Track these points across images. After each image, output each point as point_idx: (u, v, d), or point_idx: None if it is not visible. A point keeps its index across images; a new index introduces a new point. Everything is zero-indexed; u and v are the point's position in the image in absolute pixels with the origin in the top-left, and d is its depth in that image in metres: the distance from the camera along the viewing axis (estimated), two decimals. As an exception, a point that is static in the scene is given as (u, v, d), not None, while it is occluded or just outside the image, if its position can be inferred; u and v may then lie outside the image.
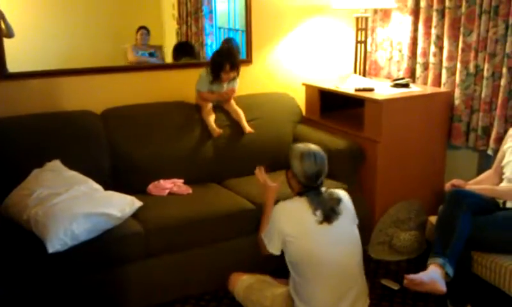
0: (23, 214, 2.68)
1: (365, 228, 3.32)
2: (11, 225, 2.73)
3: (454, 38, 3.61)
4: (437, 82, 3.76)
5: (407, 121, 3.52)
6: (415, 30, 3.89)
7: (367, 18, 4.01)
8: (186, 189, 3.30)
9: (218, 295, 3.05)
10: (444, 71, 3.69)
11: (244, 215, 3.08)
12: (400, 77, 3.94)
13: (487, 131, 3.51)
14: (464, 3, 3.50)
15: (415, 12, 3.86)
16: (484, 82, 3.45)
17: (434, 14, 3.68)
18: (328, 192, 2.50)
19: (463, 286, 2.79)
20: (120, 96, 3.55)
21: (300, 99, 4.10)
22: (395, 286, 3.12)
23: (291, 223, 2.44)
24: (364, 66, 4.05)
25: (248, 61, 4.00)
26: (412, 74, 3.96)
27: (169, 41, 3.96)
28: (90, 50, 3.65)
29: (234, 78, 3.59)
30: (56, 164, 3.03)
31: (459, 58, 3.58)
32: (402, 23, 3.99)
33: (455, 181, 3.08)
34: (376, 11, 4.18)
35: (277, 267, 2.61)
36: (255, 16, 3.96)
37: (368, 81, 3.88)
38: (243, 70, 3.64)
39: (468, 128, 3.65)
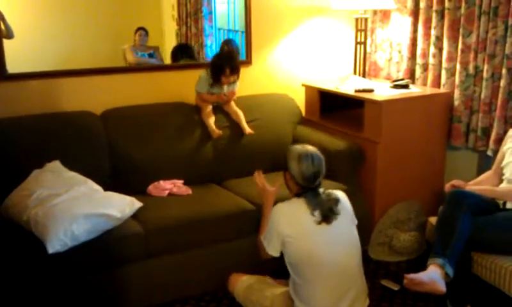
0: (23, 215, 2.68)
1: (365, 228, 3.33)
2: (11, 226, 2.73)
3: (454, 39, 3.61)
4: (436, 83, 3.77)
5: (407, 122, 3.52)
6: (415, 31, 3.89)
7: (366, 19, 4.01)
8: (186, 190, 3.30)
9: (218, 296, 3.05)
10: (444, 72, 3.69)
11: (244, 216, 3.08)
12: (400, 78, 3.95)
13: (487, 132, 3.51)
14: (463, 4, 3.50)
15: (415, 13, 3.87)
16: (484, 83, 3.45)
17: (434, 15, 3.69)
18: (325, 193, 2.50)
19: (463, 287, 2.79)
20: (120, 97, 3.55)
21: (300, 100, 4.11)
22: (395, 287, 3.12)
23: (290, 224, 2.44)
24: (364, 67, 4.06)
25: (248, 62, 4.01)
26: (412, 75, 3.97)
27: (168, 42, 3.96)
28: (90, 50, 3.65)
29: (234, 82, 3.59)
30: (56, 164, 3.03)
31: (458, 59, 3.58)
32: (401, 24, 3.99)
33: (455, 182, 3.09)
34: (375, 12, 4.19)
35: (277, 268, 2.61)
36: (254, 17, 3.97)
37: (368, 82, 3.89)
38: (243, 70, 3.64)
39: (468, 129, 3.65)
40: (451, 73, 3.66)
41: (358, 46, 4.03)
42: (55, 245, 2.54)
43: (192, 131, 3.54)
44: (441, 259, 2.55)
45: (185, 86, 3.68)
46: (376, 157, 3.46)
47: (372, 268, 3.35)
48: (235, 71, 3.51)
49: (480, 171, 3.43)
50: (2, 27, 3.28)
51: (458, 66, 3.59)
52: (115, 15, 3.72)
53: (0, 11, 3.27)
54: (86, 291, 2.73)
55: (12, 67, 3.30)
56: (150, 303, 2.91)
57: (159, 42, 3.91)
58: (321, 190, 2.50)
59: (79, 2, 3.60)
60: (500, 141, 3.29)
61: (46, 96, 3.41)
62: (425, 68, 3.85)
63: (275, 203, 2.63)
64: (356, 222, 2.59)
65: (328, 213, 2.42)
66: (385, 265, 3.41)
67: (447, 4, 3.59)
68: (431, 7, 3.71)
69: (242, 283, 2.69)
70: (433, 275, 2.49)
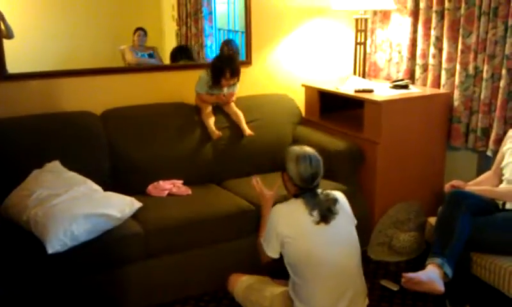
0: (23, 215, 2.68)
1: (365, 228, 3.33)
2: (10, 226, 2.73)
3: (454, 40, 3.61)
4: (436, 83, 3.77)
5: (406, 122, 3.52)
6: (415, 31, 3.89)
7: (366, 20, 4.02)
8: (186, 190, 3.30)
9: (218, 296, 3.05)
10: (443, 73, 3.69)
11: (244, 216, 3.09)
12: (400, 78, 3.95)
13: (486, 132, 3.51)
14: (463, 4, 3.50)
15: (415, 13, 3.87)
16: (484, 83, 3.45)
17: (434, 15, 3.69)
18: (324, 193, 2.51)
19: (462, 287, 2.79)
20: (120, 97, 3.55)
21: (300, 100, 4.11)
22: (395, 287, 3.12)
23: (288, 224, 2.45)
24: (363, 68, 4.06)
25: (248, 62, 4.01)
26: (411, 75, 3.97)
27: (168, 42, 3.97)
28: (90, 51, 3.65)
29: (234, 84, 3.59)
30: (56, 164, 3.04)
31: (458, 59, 3.58)
32: (401, 24, 3.99)
33: (454, 182, 3.08)
34: (375, 13, 4.19)
35: (276, 269, 2.61)
36: (254, 17, 3.97)
37: (368, 82, 3.89)
38: (243, 71, 3.64)
39: (468, 130, 3.65)
40: (451, 73, 3.66)
41: (358, 46, 4.04)
42: (55, 245, 2.54)
43: (192, 131, 3.54)
44: (439, 259, 2.55)
45: (185, 86, 3.68)
46: (376, 157, 3.46)
47: (371, 268, 3.35)
48: (235, 74, 3.51)
49: (480, 172, 3.43)
50: (2, 27, 3.28)
51: (458, 67, 3.59)
52: (115, 15, 3.72)
53: (0, 11, 3.27)
54: (85, 292, 2.73)
55: (12, 67, 3.30)
56: (149, 303, 2.91)
57: (159, 42, 3.91)
58: (319, 190, 2.51)
59: (79, 3, 3.60)
60: (499, 141, 3.29)
61: (46, 96, 3.41)
62: (425, 68, 3.85)
63: (274, 204, 2.64)
64: (355, 222, 2.59)
65: (326, 213, 2.43)
66: (385, 265, 3.42)
67: (446, 5, 3.59)
68: (431, 7, 3.72)
69: (241, 283, 2.69)
70: (431, 275, 2.49)
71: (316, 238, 2.41)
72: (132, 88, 3.65)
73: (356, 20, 3.99)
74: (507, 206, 2.88)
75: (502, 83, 3.34)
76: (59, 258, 2.58)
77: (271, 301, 2.53)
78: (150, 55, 3.85)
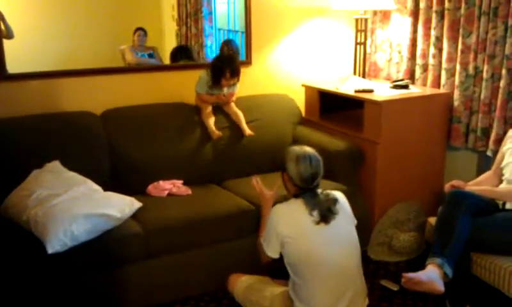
0: (22, 215, 2.68)
1: (365, 228, 3.33)
2: (10, 226, 2.73)
3: (454, 40, 3.61)
4: (436, 83, 3.77)
5: (406, 122, 3.52)
6: (415, 31, 3.89)
7: (366, 20, 4.02)
8: (185, 190, 3.30)
9: (218, 296, 3.05)
10: (443, 73, 3.69)
11: (244, 216, 3.09)
12: (400, 78, 3.95)
13: (486, 132, 3.51)
14: (463, 4, 3.50)
15: (415, 13, 3.87)
16: (484, 83, 3.45)
17: (434, 15, 3.69)
18: (324, 193, 2.51)
19: (462, 287, 2.79)
20: (120, 97, 3.55)
21: (300, 100, 4.11)
22: (395, 287, 3.12)
23: (288, 224, 2.45)
24: (363, 68, 4.06)
25: (248, 62, 4.01)
26: (411, 75, 3.97)
27: (168, 42, 3.97)
28: (90, 51, 3.65)
29: (234, 84, 3.59)
30: (56, 164, 3.04)
31: (458, 59, 3.58)
32: (401, 24, 3.99)
33: (454, 182, 3.08)
34: (375, 13, 4.19)
35: (276, 269, 2.60)
36: (254, 17, 3.97)
37: (368, 82, 3.89)
38: (243, 71, 3.63)
39: (468, 130, 3.65)
40: (451, 73, 3.66)
41: (358, 46, 4.04)
42: (54, 245, 2.54)
43: (192, 131, 3.54)
44: (439, 259, 2.55)
45: (185, 86, 3.68)
46: (376, 157, 3.47)
47: (371, 268, 3.35)
48: (235, 74, 3.51)
49: (480, 172, 3.43)
50: (2, 27, 3.28)
51: (458, 67, 3.59)
52: (115, 15, 3.73)
53: (0, 11, 3.27)
54: (85, 292, 2.73)
55: (12, 67, 3.30)
56: (149, 303, 2.91)
57: (159, 42, 3.91)
58: (319, 190, 2.51)
59: (79, 3, 3.60)
60: (499, 141, 3.29)
61: (46, 96, 3.41)
62: (425, 68, 3.85)
63: (274, 204, 2.64)
64: (355, 222, 2.59)
65: (326, 213, 2.43)
66: (385, 265, 3.42)
67: (446, 5, 3.59)
68: (431, 7, 3.72)
69: (241, 283, 2.69)
70: (431, 275, 2.49)
71: (316, 238, 2.41)
72: (132, 88, 3.65)
73: (356, 20, 3.99)
74: (507, 206, 2.88)
75: (502, 83, 3.34)
76: (59, 258, 2.58)
77: (271, 301, 2.53)
78: (150, 55, 3.85)
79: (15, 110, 3.25)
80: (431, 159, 3.68)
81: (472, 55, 3.52)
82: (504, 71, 3.32)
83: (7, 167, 3.02)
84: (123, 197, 2.92)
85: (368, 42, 4.19)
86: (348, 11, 4.08)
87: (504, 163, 3.03)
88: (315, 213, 2.41)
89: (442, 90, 3.71)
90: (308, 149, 2.53)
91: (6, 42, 3.27)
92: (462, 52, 3.55)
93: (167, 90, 3.72)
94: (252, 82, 4.00)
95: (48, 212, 2.63)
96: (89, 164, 3.19)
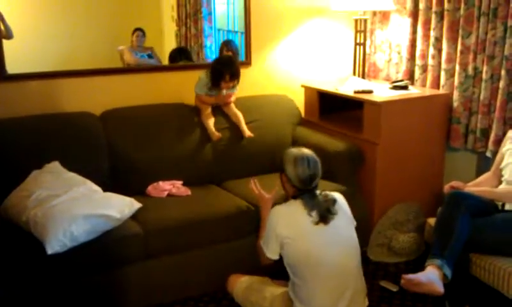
0: (22, 215, 2.68)
1: (364, 229, 3.33)
2: (10, 226, 2.73)
3: (453, 40, 3.61)
4: (436, 84, 3.77)
5: (406, 123, 3.52)
6: (414, 32, 3.89)
7: (366, 20, 4.02)
8: (185, 191, 3.30)
9: (217, 296, 3.05)
10: (443, 74, 3.69)
11: (243, 217, 3.09)
12: (399, 79, 3.94)
13: (486, 133, 3.51)
14: (463, 5, 3.50)
15: (414, 14, 3.87)
16: (483, 84, 3.46)
17: (433, 16, 3.69)
18: (322, 194, 2.52)
19: (462, 288, 2.79)
20: (119, 98, 3.55)
21: (299, 101, 4.11)
22: (394, 288, 3.12)
23: (287, 225, 2.45)
24: (363, 68, 4.06)
25: (247, 62, 4.01)
26: (411, 76, 3.97)
27: (168, 43, 3.97)
28: (90, 51, 3.65)
29: (234, 86, 3.59)
30: (55, 165, 3.04)
31: (457, 60, 3.58)
32: (401, 25, 4.00)
33: (454, 183, 3.09)
34: (374, 13, 4.19)
35: (276, 269, 2.61)
36: (254, 18, 3.97)
37: (367, 83, 3.89)
38: (242, 71, 3.64)
39: (467, 130, 3.65)
40: (450, 74, 3.66)
41: (358, 47, 4.04)
42: (54, 246, 2.54)
43: (192, 132, 3.54)
44: (439, 260, 2.55)
45: (184, 86, 3.68)
46: (375, 158, 3.47)
47: (371, 269, 3.35)
48: (235, 77, 3.51)
49: (480, 172, 3.44)
50: (2, 27, 3.28)
51: (457, 67, 3.59)
52: (115, 15, 3.73)
53: (0, 12, 3.27)
54: (85, 292, 2.73)
55: (12, 68, 3.30)
56: (149, 304, 2.91)
57: (159, 43, 3.91)
58: (318, 191, 2.52)
59: (79, 3, 3.60)
60: (499, 142, 3.29)
61: (45, 96, 3.41)
62: (424, 69, 3.85)
63: (273, 205, 2.64)
64: (355, 223, 2.60)
65: (325, 214, 2.43)
66: (384, 266, 3.42)
67: (446, 6, 3.59)
68: (430, 8, 3.72)
69: (241, 284, 2.69)
70: (431, 276, 2.49)
71: (315, 239, 2.41)
72: (131, 89, 3.65)
73: (356, 20, 4.00)
74: (507, 207, 2.88)
75: (501, 84, 3.34)
76: (58, 258, 2.58)
77: (271, 302, 2.53)
78: (149, 56, 3.85)
79: (15, 111, 3.25)
80: (430, 160, 3.68)
81: (471, 56, 3.52)
82: (503, 72, 3.32)
83: (7, 168, 3.02)
84: (123, 197, 2.92)
85: (368, 43, 4.19)
86: (347, 11, 4.08)
87: (503, 164, 3.03)
88: (314, 213, 2.42)
89: (441, 91, 3.71)
90: (306, 151, 2.53)
91: (5, 42, 3.27)
92: (461, 52, 3.55)
93: (167, 91, 3.72)
94: (251, 82, 4.00)
95: (48, 213, 2.63)
96: (89, 164, 3.19)
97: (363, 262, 2.58)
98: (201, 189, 3.36)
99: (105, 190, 2.95)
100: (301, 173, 2.46)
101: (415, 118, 3.56)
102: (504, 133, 3.27)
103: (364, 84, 3.82)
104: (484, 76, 3.44)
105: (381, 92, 3.64)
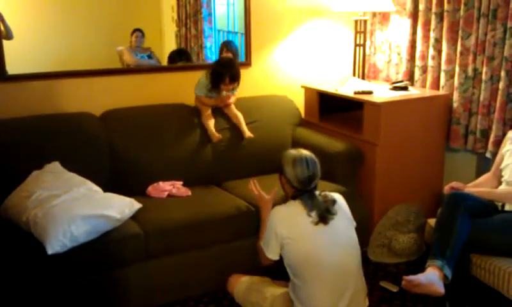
0: (22, 216, 2.68)
1: (364, 230, 3.33)
2: (10, 226, 2.73)
3: (453, 41, 3.62)
4: (436, 85, 3.77)
5: (406, 124, 3.53)
6: (414, 33, 3.90)
7: (365, 21, 4.02)
8: (185, 191, 3.30)
9: (217, 297, 3.05)
10: (443, 74, 3.70)
11: (243, 217, 3.08)
12: (399, 80, 3.95)
13: (485, 134, 3.52)
14: (462, 6, 3.51)
15: (414, 15, 3.87)
16: (483, 85, 3.46)
17: (433, 17, 3.70)
18: (322, 195, 2.52)
19: (462, 289, 2.79)
20: (120, 98, 3.56)
21: (299, 102, 4.11)
22: (394, 289, 3.12)
23: (287, 226, 2.45)
24: (363, 69, 4.06)
25: (247, 63, 4.01)
26: (411, 77, 3.97)
27: (168, 44, 3.97)
28: (90, 52, 3.65)
29: (234, 89, 3.59)
30: (55, 165, 3.03)
31: (457, 61, 3.59)
32: (401, 26, 4.00)
33: (454, 184, 3.08)
34: (374, 14, 4.20)
35: (276, 270, 2.61)
36: (254, 19, 3.97)
37: (367, 84, 3.89)
38: (242, 72, 3.63)
39: (467, 131, 3.65)
40: (450, 75, 3.66)
41: (357, 48, 4.04)
42: (54, 246, 2.54)
43: (192, 132, 3.54)
44: (439, 261, 2.56)
45: (184, 87, 3.68)
46: (375, 158, 3.47)
47: (371, 269, 3.35)
48: (235, 79, 3.51)
49: (479, 173, 3.44)
50: (2, 28, 3.28)
51: (457, 68, 3.59)
52: (115, 16, 3.73)
53: (0, 12, 3.27)
54: (85, 293, 2.73)
55: (12, 68, 3.30)
56: (149, 304, 2.91)
57: (158, 44, 3.91)
58: (317, 192, 2.52)
59: (79, 4, 3.60)
60: (499, 143, 3.30)
61: (46, 97, 3.41)
62: (424, 70, 3.86)
63: (273, 205, 2.65)
64: (354, 224, 2.60)
65: (324, 214, 2.44)
66: (384, 266, 3.42)
67: (446, 7, 3.60)
68: (430, 9, 3.72)
69: (241, 284, 2.69)
70: (431, 277, 2.50)
71: (315, 240, 2.42)
72: (131, 89, 3.65)
73: (356, 21, 4.00)
74: (506, 207, 2.88)
75: (501, 85, 3.35)
76: (58, 259, 2.57)
77: (271, 302, 2.53)
78: (149, 57, 3.85)
79: (15, 111, 3.25)
80: (430, 161, 3.68)
81: (471, 57, 3.52)
82: (503, 73, 3.33)
83: (7, 168, 3.01)
84: (123, 198, 2.91)
85: (368, 44, 4.19)
86: (347, 12, 4.08)
87: (503, 164, 3.04)
88: (313, 214, 2.42)
89: (441, 92, 3.71)
90: (305, 152, 2.54)
91: (5, 43, 3.27)
92: (461, 53, 3.56)
93: (167, 91, 3.72)
94: (252, 83, 4.00)
95: (48, 213, 2.63)
96: (89, 164, 3.18)
97: (363, 262, 2.59)
98: (202, 190, 3.36)
99: (105, 190, 2.95)
100: (300, 173, 2.47)
101: (415, 119, 3.56)
102: (504, 134, 3.27)
103: (364, 85, 3.82)
104: (483, 77, 3.45)
105: (381, 93, 3.65)
